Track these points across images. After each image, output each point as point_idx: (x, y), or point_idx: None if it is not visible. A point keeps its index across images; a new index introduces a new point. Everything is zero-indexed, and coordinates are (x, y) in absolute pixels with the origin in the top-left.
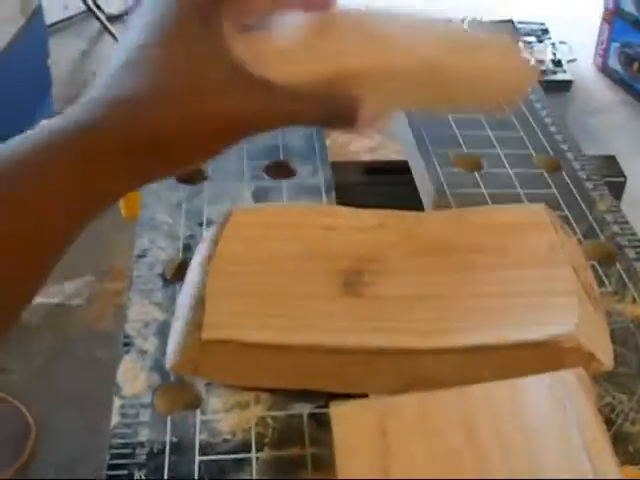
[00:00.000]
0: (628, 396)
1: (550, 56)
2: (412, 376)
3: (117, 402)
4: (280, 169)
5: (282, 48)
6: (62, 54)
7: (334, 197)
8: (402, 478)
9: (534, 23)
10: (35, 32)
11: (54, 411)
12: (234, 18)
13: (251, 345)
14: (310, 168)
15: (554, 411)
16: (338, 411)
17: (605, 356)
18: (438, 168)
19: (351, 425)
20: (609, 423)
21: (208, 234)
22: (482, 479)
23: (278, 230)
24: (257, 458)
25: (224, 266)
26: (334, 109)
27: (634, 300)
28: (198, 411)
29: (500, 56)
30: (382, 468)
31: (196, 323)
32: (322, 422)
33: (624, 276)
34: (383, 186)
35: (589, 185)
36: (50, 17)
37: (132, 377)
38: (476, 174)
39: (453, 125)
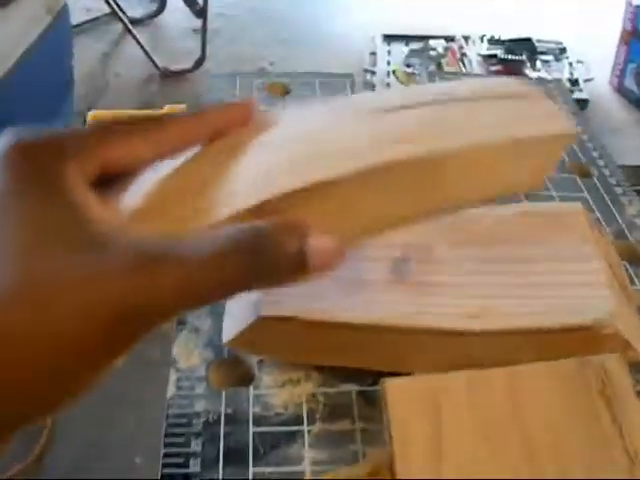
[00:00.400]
0: None
1: (567, 75)
2: (458, 357)
3: (173, 375)
4: None
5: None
6: (84, 55)
7: None
8: (454, 448)
9: (552, 42)
10: (60, 32)
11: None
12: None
13: (306, 323)
14: None
15: (594, 391)
16: (391, 386)
17: (639, 344)
18: None
19: (404, 399)
20: None
21: None
22: (525, 448)
23: None
24: (309, 431)
25: None
26: (270, 251)
27: None
28: (251, 387)
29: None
30: (435, 439)
31: (254, 301)
32: (370, 399)
33: None
34: None
35: (619, 190)
36: (73, 19)
37: (187, 352)
38: None
39: None
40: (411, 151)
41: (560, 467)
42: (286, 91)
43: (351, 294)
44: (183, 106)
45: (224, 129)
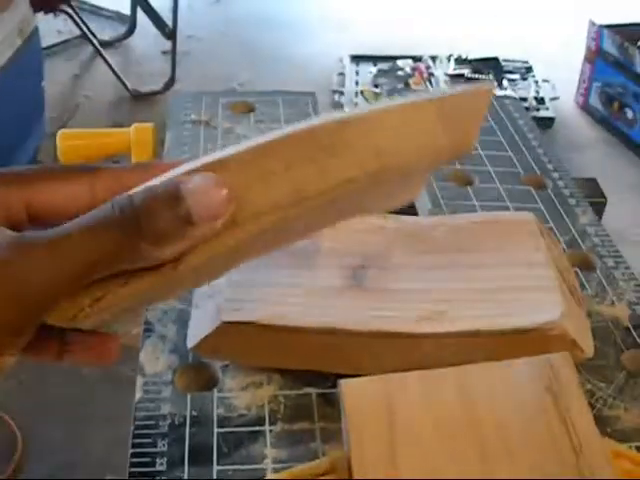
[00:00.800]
0: (606, 384)
1: (533, 94)
2: (413, 359)
3: (140, 380)
4: None
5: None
6: (55, 77)
7: None
8: (409, 447)
9: (518, 61)
10: (31, 54)
11: (40, 422)
12: None
13: (266, 327)
14: None
15: (542, 387)
16: (348, 386)
17: (586, 344)
18: (433, 182)
19: (360, 398)
20: (589, 407)
21: None
22: (478, 446)
23: None
24: (270, 431)
25: None
26: (143, 220)
27: (612, 303)
28: (215, 390)
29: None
30: (389, 437)
31: (216, 308)
32: (329, 400)
33: (604, 282)
34: None
35: (572, 202)
36: (44, 41)
37: (153, 358)
38: (469, 188)
39: None
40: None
41: (511, 466)
42: (250, 109)
43: (310, 300)
44: (150, 125)
45: None
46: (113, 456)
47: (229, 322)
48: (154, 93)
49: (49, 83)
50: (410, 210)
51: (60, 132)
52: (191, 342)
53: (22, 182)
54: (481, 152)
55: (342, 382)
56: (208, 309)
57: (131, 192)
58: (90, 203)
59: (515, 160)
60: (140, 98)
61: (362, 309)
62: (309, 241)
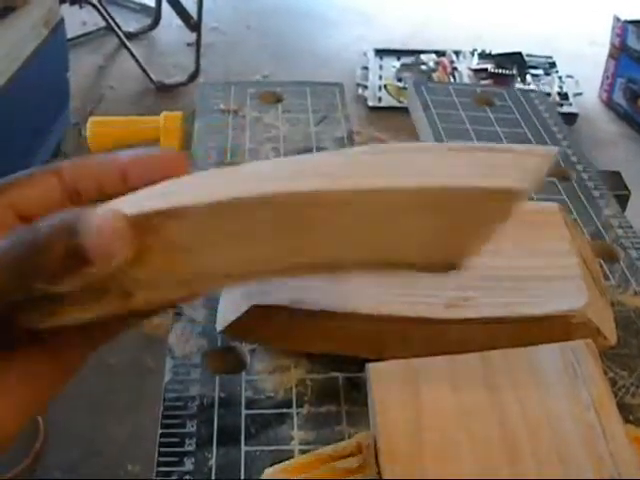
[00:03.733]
0: (629, 373)
1: (557, 89)
2: (439, 345)
3: (169, 362)
4: None
5: None
6: (80, 68)
7: None
8: (434, 429)
9: (542, 56)
10: (56, 45)
11: (63, 410)
12: None
13: (295, 311)
14: None
15: (565, 373)
16: (375, 369)
17: (609, 333)
18: None
19: (387, 382)
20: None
21: None
22: (502, 430)
23: None
24: (297, 413)
25: None
26: (37, 252)
27: (635, 293)
28: (243, 372)
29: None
30: (416, 420)
31: (246, 291)
32: (355, 384)
33: (627, 272)
34: None
35: (596, 194)
36: (69, 32)
37: (183, 341)
38: None
39: (473, 136)
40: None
41: (535, 450)
42: (278, 99)
43: (337, 285)
44: (179, 113)
45: (144, 174)
46: (135, 446)
47: (259, 305)
48: (178, 85)
49: (73, 74)
50: None
51: (90, 119)
52: (220, 325)
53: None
54: (506, 144)
55: (370, 366)
56: (237, 293)
57: (45, 218)
58: (62, 197)
59: None
60: (164, 90)
61: (389, 295)
62: None
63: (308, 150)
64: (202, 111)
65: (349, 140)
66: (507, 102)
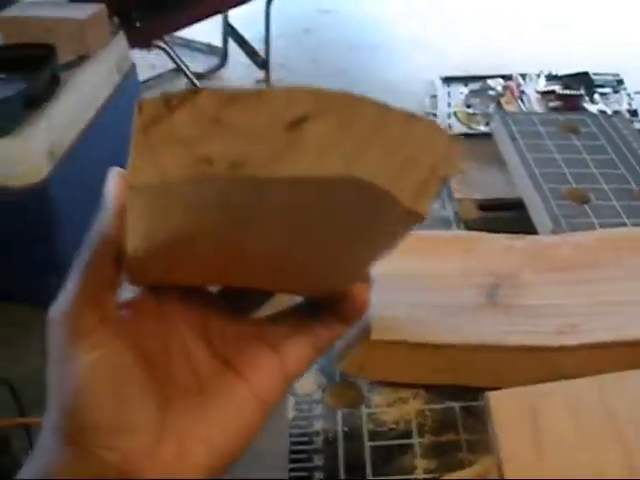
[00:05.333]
0: None
1: (626, 106)
2: (550, 371)
3: (292, 400)
4: None
5: None
6: None
7: (463, 227)
8: (555, 451)
9: (609, 74)
10: (130, 90)
11: None
12: None
13: (412, 345)
14: (439, 203)
15: None
16: (495, 397)
17: None
18: (552, 201)
19: (507, 408)
20: None
21: None
22: (621, 453)
23: (432, 253)
24: (419, 443)
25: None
26: None
27: None
28: (363, 406)
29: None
30: (536, 443)
31: (363, 327)
32: (472, 413)
33: None
34: (495, 220)
35: None
36: (139, 76)
37: (303, 378)
38: (586, 206)
39: (562, 164)
40: None
41: None
42: None
43: (450, 318)
44: None
45: None
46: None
47: (376, 340)
48: None
49: None
50: (530, 229)
51: None
52: (338, 361)
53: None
54: (594, 170)
55: (490, 394)
56: (354, 329)
57: None
58: None
59: (628, 177)
60: None
61: (500, 325)
62: (444, 263)
63: None
64: None
65: None
66: (592, 128)
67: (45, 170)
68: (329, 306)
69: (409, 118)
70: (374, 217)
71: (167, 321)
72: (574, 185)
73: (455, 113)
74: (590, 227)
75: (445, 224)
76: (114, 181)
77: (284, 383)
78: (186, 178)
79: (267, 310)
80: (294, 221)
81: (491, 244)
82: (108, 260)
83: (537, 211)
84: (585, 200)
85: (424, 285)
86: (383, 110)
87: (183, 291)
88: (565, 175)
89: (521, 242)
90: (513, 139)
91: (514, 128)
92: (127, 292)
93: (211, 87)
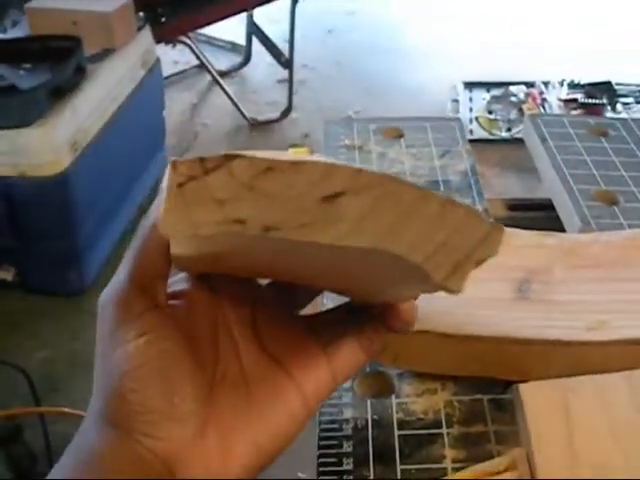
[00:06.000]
0: None
1: None
2: (580, 366)
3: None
4: None
5: None
6: (174, 107)
7: None
8: (586, 445)
9: (632, 84)
10: (153, 85)
11: None
12: None
13: (444, 336)
14: (469, 200)
15: None
16: (526, 389)
17: None
18: (581, 202)
19: (537, 400)
20: None
21: None
22: None
23: None
24: (448, 433)
25: None
26: None
27: None
28: (393, 396)
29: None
30: (568, 436)
31: None
32: (500, 405)
33: None
34: (523, 220)
35: None
36: (163, 71)
37: None
38: (615, 208)
39: (591, 166)
40: None
41: None
42: (400, 134)
43: (481, 311)
44: (307, 149)
45: None
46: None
47: (411, 330)
48: (271, 122)
49: (167, 112)
50: (557, 230)
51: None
52: None
53: None
54: (623, 173)
55: (520, 386)
56: None
57: None
58: None
59: None
60: (257, 126)
61: (531, 319)
62: None
63: (435, 183)
64: (328, 147)
65: (472, 173)
66: (621, 132)
67: (67, 161)
68: (378, 310)
69: (447, 203)
70: (411, 280)
71: (216, 312)
72: (603, 187)
73: (477, 118)
74: (618, 228)
75: None
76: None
77: (332, 385)
78: (218, 234)
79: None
80: (331, 262)
81: (522, 240)
82: (158, 249)
83: (566, 211)
84: (614, 202)
85: None
86: (421, 194)
87: (233, 282)
88: (594, 177)
89: (552, 239)
90: (544, 140)
91: (545, 130)
92: (179, 284)
93: (246, 153)
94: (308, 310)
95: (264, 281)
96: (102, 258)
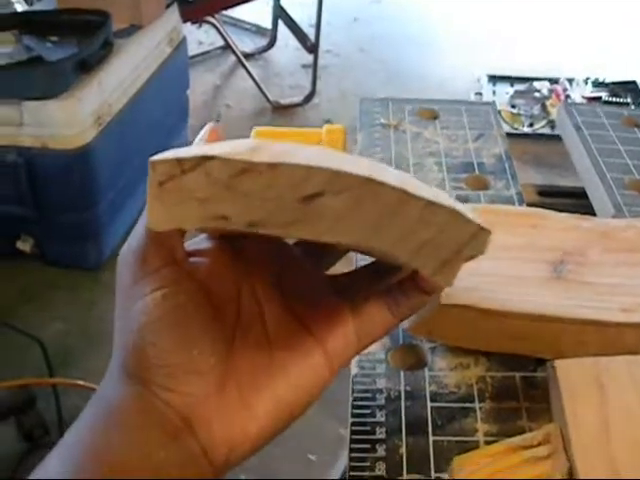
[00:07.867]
0: None
1: None
2: (614, 347)
3: (355, 357)
4: (476, 182)
5: None
6: (197, 87)
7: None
8: (620, 423)
9: None
10: (178, 63)
11: None
12: None
13: (480, 311)
14: (503, 183)
15: None
16: (561, 365)
17: None
18: (615, 190)
19: (573, 377)
20: None
21: None
22: None
23: (500, 226)
24: (480, 407)
25: None
26: None
27: None
28: (426, 369)
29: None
30: (602, 413)
31: None
32: (532, 383)
33: None
34: (553, 206)
35: None
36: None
37: None
38: None
39: (625, 155)
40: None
41: None
42: (435, 116)
43: (517, 289)
44: (342, 127)
45: None
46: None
47: (446, 304)
48: (294, 105)
49: (191, 92)
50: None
51: (255, 129)
52: (407, 323)
53: None
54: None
55: (556, 362)
56: None
57: None
58: None
59: None
60: (279, 109)
61: (566, 299)
62: (513, 237)
63: (469, 165)
64: (364, 125)
65: (507, 157)
66: None
67: (90, 135)
68: (407, 272)
69: (428, 205)
70: None
71: (241, 268)
72: (637, 176)
73: (500, 112)
74: None
75: (507, 204)
76: (206, 134)
77: (357, 346)
78: (204, 227)
79: (343, 266)
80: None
81: (558, 222)
82: None
83: (599, 199)
84: None
85: (492, 255)
86: (402, 197)
87: (259, 242)
88: (628, 166)
89: (588, 222)
90: (578, 129)
91: (579, 119)
92: (203, 242)
93: (222, 155)
94: (343, 268)
95: (292, 240)
96: (120, 233)
